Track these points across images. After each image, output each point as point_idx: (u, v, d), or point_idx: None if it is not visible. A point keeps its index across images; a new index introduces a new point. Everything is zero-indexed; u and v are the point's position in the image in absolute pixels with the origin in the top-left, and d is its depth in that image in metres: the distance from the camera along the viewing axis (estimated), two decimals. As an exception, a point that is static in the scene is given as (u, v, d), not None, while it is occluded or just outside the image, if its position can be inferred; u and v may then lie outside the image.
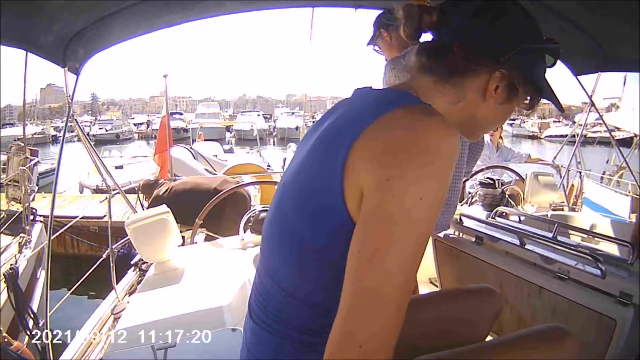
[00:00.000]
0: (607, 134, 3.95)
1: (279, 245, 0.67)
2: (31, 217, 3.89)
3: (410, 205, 0.51)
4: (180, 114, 40.32)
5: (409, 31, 0.69)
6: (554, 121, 45.01)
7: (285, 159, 10.70)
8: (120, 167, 10.25)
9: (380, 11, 1.88)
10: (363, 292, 0.51)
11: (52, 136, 28.20)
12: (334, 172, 0.57)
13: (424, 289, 2.24)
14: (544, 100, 0.71)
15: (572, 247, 1.35)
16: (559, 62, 0.71)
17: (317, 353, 0.66)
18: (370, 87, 0.72)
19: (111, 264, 2.43)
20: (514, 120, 45.66)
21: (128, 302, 2.00)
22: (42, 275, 3.71)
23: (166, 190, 3.48)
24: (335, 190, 0.57)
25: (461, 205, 2.67)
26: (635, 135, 7.07)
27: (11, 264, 3.10)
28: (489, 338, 1.08)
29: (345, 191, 0.56)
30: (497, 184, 2.33)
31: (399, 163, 0.52)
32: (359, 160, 0.55)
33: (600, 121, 3.89)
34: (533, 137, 37.04)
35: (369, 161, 0.54)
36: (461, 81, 0.66)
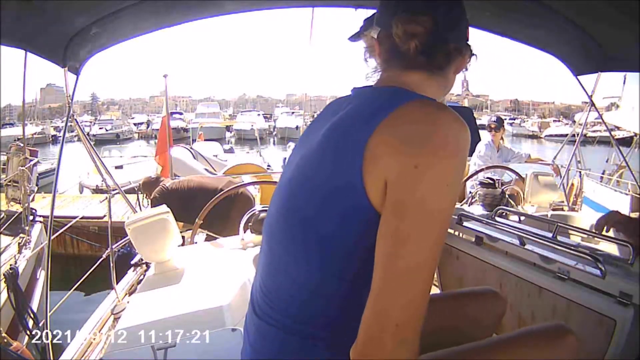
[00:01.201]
0: (607, 134, 3.95)
1: (292, 240, 0.68)
2: (31, 218, 3.89)
3: (439, 192, 0.56)
4: (181, 113, 40.28)
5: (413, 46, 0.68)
6: (553, 120, 45.05)
7: (285, 158, 10.70)
8: (120, 167, 10.24)
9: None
10: (397, 273, 0.55)
11: (52, 136, 28.23)
12: (353, 165, 0.60)
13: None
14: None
15: (572, 247, 1.35)
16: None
17: (323, 348, 0.66)
18: (370, 86, 0.74)
19: (111, 264, 2.43)
20: (514, 119, 45.73)
21: (128, 302, 2.00)
22: (41, 275, 3.71)
23: (172, 183, 3.46)
24: (355, 182, 0.60)
25: (461, 205, 2.67)
26: (635, 135, 7.06)
27: (10, 264, 3.09)
28: (489, 338, 1.08)
29: (365, 181, 0.59)
30: (497, 184, 2.33)
31: (426, 153, 0.57)
32: (380, 151, 0.59)
33: (600, 120, 3.89)
34: (533, 137, 37.05)
35: (394, 150, 0.58)
36: (448, 70, 0.73)
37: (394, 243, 0.56)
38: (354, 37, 0.81)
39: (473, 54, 0.76)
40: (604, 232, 1.43)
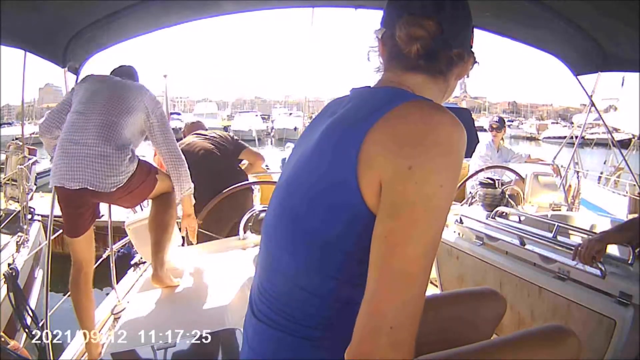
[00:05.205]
0: (605, 136, 3.96)
1: (289, 240, 0.68)
2: (29, 216, 3.87)
3: (432, 193, 0.56)
4: (179, 114, 40.07)
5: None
6: (552, 122, 45.10)
7: (284, 159, 10.67)
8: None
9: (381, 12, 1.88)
10: (391, 276, 0.55)
11: (51, 136, 28.10)
12: (348, 165, 0.60)
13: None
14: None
15: (572, 247, 1.36)
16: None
17: (321, 349, 0.66)
18: (369, 86, 0.74)
19: (111, 264, 2.42)
20: (512, 121, 45.76)
21: (128, 302, 2.00)
22: (39, 274, 3.69)
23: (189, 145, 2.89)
24: (350, 182, 0.59)
25: (461, 205, 2.67)
26: (634, 137, 7.08)
27: (8, 263, 3.08)
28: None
29: (360, 182, 0.59)
30: (497, 184, 2.32)
31: (419, 153, 0.57)
32: (375, 151, 0.59)
33: (598, 122, 3.91)
34: (531, 139, 37.01)
35: (388, 151, 0.58)
36: (449, 75, 0.73)
37: (389, 244, 0.56)
38: None
39: (476, 62, 0.76)
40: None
